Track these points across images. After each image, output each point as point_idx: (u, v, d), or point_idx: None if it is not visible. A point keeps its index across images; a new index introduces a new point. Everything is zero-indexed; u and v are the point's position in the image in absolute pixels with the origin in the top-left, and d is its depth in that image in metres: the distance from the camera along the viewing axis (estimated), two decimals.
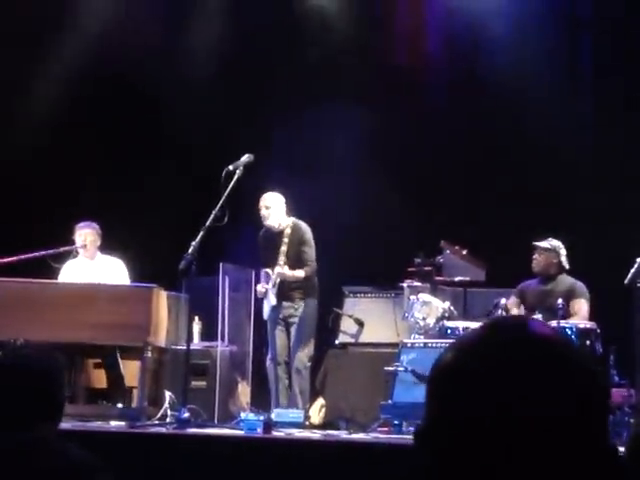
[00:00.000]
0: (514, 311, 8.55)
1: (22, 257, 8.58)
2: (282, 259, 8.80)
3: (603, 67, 10.44)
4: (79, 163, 10.63)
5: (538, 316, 8.15)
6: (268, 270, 8.83)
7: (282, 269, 8.74)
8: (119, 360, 8.50)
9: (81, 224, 8.92)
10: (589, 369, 1.22)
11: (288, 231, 8.92)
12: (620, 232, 9.04)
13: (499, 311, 8.41)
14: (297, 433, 7.44)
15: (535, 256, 8.63)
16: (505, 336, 1.23)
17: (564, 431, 1.16)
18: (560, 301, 8.07)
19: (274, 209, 8.91)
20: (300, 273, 8.81)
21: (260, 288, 8.96)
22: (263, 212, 8.91)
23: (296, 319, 8.87)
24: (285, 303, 8.89)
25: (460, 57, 10.86)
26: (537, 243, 8.62)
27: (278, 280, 8.80)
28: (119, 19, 10.61)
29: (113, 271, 8.93)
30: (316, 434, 7.60)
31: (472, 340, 1.24)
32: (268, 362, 8.97)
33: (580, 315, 8.36)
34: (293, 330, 8.88)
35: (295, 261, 8.87)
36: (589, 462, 1.16)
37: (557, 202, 9.87)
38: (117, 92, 10.60)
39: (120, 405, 8.33)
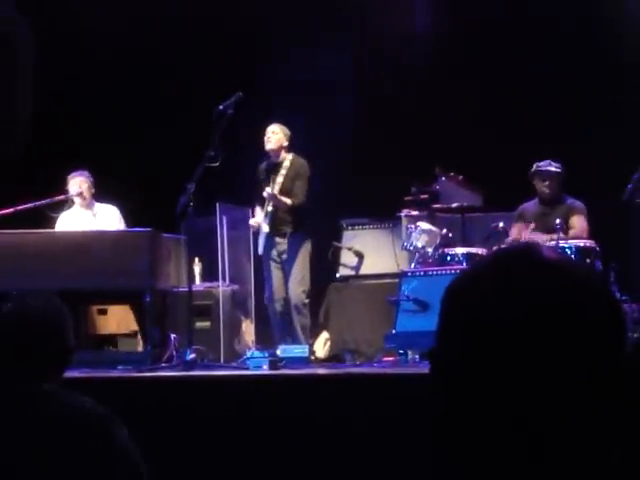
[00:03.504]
0: (516, 233, 8.53)
1: (18, 208, 8.56)
2: (276, 188, 8.81)
3: None
4: (73, 113, 10.57)
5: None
6: (266, 192, 8.81)
7: (272, 191, 8.75)
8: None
9: (73, 173, 8.93)
10: (599, 287, 1.23)
11: (287, 164, 8.94)
12: (616, 149, 9.03)
13: (498, 235, 8.43)
14: (303, 368, 7.47)
15: (547, 184, 8.55)
16: (512, 259, 1.25)
17: (579, 348, 1.17)
18: (558, 221, 8.08)
19: (279, 135, 8.96)
20: (287, 200, 8.80)
21: (252, 222, 8.98)
22: (268, 135, 8.95)
23: (289, 255, 8.87)
24: (278, 239, 8.90)
25: None
26: (547, 168, 8.53)
27: (270, 208, 8.79)
28: None
29: (109, 218, 8.94)
30: (322, 368, 7.65)
31: (480, 266, 1.27)
32: (266, 300, 9.00)
33: (577, 229, 8.36)
34: (287, 267, 8.89)
35: (289, 194, 8.87)
36: (605, 376, 1.18)
37: (551, 122, 9.81)
38: (109, 38, 10.49)
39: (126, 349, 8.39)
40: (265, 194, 8.77)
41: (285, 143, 8.99)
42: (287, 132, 9.03)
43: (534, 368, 1.17)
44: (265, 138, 8.97)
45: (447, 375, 1.22)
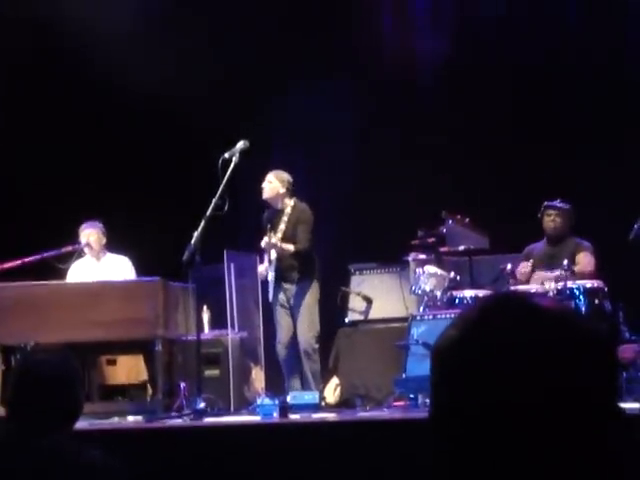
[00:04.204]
0: (525, 276, 8.53)
1: (27, 260, 8.59)
2: (279, 236, 8.73)
3: None
4: (78, 162, 10.62)
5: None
6: (263, 242, 8.76)
7: (273, 240, 8.67)
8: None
9: (84, 224, 8.98)
10: (596, 336, 1.22)
11: (288, 210, 8.87)
12: (622, 189, 9.05)
13: (505, 277, 8.44)
14: (314, 415, 7.45)
15: (553, 218, 8.61)
16: (507, 310, 1.23)
17: (573, 399, 1.17)
18: (566, 262, 8.08)
19: (273, 184, 8.88)
20: (289, 247, 8.76)
21: (261, 269, 8.95)
22: (263, 185, 8.89)
23: (297, 301, 8.85)
24: (285, 285, 8.86)
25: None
26: (556, 204, 8.61)
27: (274, 257, 8.74)
28: None
29: (120, 269, 8.96)
30: (333, 414, 7.62)
31: (474, 317, 1.25)
32: (277, 346, 8.97)
33: (583, 264, 8.37)
34: (295, 312, 8.86)
35: (292, 240, 8.83)
36: (599, 427, 1.17)
37: (556, 163, 9.83)
38: (111, 87, 10.57)
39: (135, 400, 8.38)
40: (263, 244, 8.70)
41: (282, 190, 8.88)
42: (285, 179, 8.89)
43: (528, 423, 1.16)
44: (262, 188, 8.94)
45: (445, 430, 1.21)
